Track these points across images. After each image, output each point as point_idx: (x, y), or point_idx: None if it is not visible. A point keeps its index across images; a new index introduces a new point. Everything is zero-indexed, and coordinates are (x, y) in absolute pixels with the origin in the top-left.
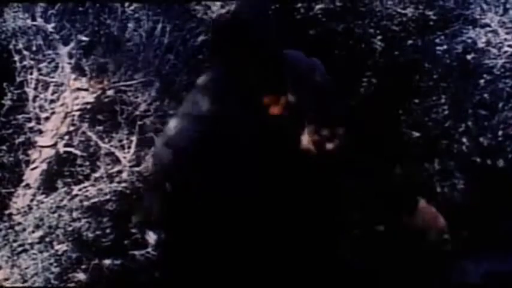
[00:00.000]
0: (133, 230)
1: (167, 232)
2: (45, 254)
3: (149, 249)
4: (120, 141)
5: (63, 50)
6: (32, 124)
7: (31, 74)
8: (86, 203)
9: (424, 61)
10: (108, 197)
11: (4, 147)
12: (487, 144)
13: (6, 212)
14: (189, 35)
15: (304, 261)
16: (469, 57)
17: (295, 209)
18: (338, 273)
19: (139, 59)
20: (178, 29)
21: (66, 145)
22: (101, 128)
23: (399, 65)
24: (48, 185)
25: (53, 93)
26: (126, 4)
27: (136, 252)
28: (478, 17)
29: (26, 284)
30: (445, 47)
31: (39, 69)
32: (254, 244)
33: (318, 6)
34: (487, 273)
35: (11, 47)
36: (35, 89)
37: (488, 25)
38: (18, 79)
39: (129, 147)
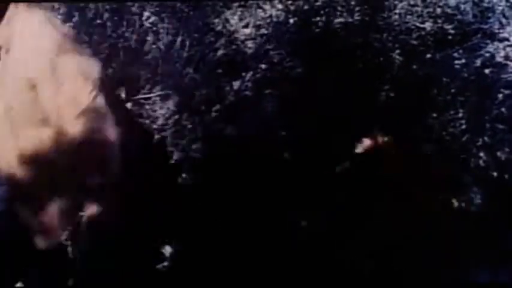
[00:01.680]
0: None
1: None
2: None
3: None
4: None
5: None
6: None
7: None
8: None
9: (442, 75)
10: None
11: None
12: (504, 159)
13: None
14: (208, 49)
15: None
16: (487, 71)
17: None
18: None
19: (158, 72)
20: (197, 43)
21: None
22: None
23: (417, 78)
24: None
25: None
26: (144, 17)
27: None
28: (496, 31)
29: None
30: (463, 61)
31: None
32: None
33: (337, 20)
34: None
35: None
36: None
37: (507, 39)
38: None
39: None
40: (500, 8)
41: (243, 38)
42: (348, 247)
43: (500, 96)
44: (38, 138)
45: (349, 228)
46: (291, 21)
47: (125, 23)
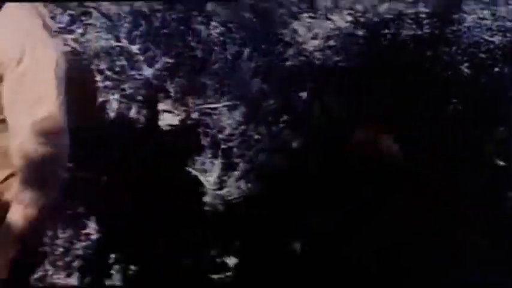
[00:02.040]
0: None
1: None
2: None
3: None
4: (203, 164)
5: (148, 71)
6: None
7: (113, 94)
8: None
9: (510, 89)
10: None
11: None
12: None
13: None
14: (276, 60)
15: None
16: None
17: None
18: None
19: (225, 83)
20: (265, 54)
21: None
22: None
23: (485, 92)
24: None
25: (137, 113)
26: (211, 27)
27: (215, 276)
28: None
29: None
30: None
31: (122, 90)
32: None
33: (405, 33)
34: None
35: (93, 67)
36: (118, 109)
37: None
38: (100, 99)
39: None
40: None
41: (311, 49)
42: (355, 244)
43: None
44: None
45: (358, 225)
46: (360, 33)
47: (191, 32)
